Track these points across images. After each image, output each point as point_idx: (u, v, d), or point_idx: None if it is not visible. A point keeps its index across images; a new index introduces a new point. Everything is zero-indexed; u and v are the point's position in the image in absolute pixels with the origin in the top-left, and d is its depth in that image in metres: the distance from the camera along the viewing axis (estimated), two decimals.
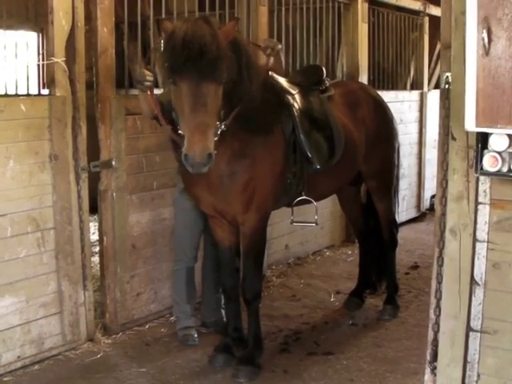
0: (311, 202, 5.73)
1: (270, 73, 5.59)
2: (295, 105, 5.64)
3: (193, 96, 4.47)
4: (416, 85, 11.28)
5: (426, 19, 11.06)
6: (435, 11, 10.39)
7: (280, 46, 5.80)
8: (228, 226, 5.52)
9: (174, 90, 4.61)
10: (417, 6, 10.77)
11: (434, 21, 10.20)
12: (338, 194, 6.99)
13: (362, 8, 9.33)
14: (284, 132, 5.48)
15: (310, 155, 5.57)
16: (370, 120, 6.38)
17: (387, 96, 9.45)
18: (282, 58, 6.00)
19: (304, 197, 5.67)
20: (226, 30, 4.71)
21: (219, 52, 4.48)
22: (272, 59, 5.67)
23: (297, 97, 5.71)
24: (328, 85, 6.18)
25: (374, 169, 6.56)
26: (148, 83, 5.08)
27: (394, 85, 10.83)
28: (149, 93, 5.14)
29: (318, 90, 6.02)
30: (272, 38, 6.16)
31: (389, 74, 10.68)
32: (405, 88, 11.06)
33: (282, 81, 5.77)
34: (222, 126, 4.76)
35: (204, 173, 4.59)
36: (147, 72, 5.12)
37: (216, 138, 4.60)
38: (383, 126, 6.59)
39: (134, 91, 7.21)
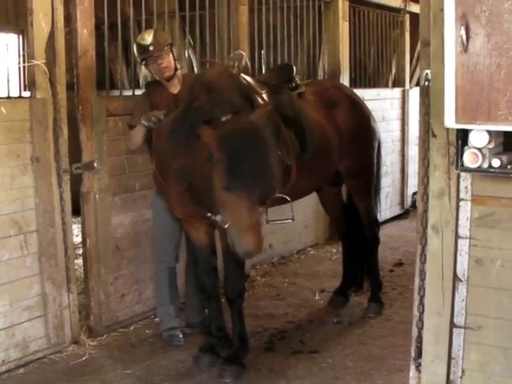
0: (287, 201, 5.40)
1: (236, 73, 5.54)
2: None
3: None
4: (398, 82, 11.32)
5: (407, 16, 11.12)
6: (416, 8, 10.39)
7: (244, 58, 5.77)
8: (202, 226, 5.50)
9: None
10: (397, 3, 10.83)
11: (415, 18, 10.17)
12: (318, 193, 6.99)
13: (343, 6, 9.36)
14: None
15: (279, 152, 5.49)
16: (345, 119, 6.33)
17: (369, 94, 9.51)
18: (248, 64, 5.95)
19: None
20: None
21: None
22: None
23: (264, 96, 5.64)
24: (298, 82, 6.17)
25: (352, 168, 6.53)
26: (157, 125, 5.31)
27: (376, 82, 10.86)
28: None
29: (287, 88, 6.01)
30: (238, 51, 6.07)
31: (370, 72, 10.70)
32: (387, 85, 11.09)
33: (250, 81, 5.70)
34: None
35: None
36: (159, 112, 5.32)
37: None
38: (359, 125, 6.53)
39: (115, 92, 7.23)
